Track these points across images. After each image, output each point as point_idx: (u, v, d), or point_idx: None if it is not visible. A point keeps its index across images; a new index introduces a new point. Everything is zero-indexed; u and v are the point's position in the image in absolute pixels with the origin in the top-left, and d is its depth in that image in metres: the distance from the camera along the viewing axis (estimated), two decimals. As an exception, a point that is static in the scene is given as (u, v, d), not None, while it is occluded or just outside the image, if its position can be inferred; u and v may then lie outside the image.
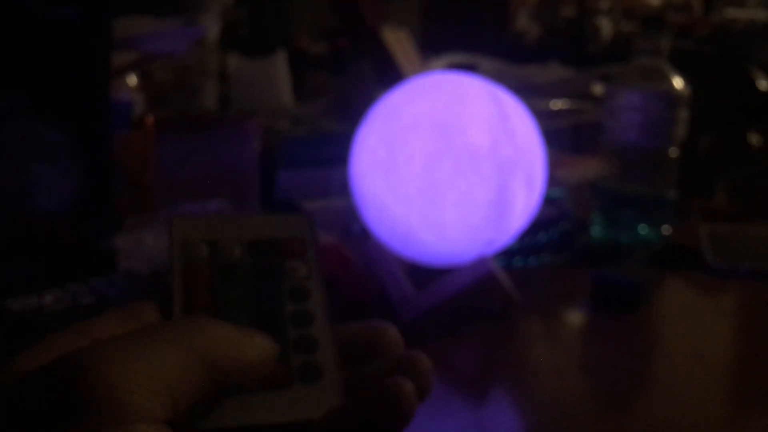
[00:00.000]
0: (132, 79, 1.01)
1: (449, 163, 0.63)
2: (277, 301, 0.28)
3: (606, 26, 2.24)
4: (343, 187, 0.74)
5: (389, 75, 1.14)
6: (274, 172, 0.92)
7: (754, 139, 1.18)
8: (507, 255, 0.79)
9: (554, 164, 0.77)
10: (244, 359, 0.25)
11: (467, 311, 0.69)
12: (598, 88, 1.31)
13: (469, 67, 1.31)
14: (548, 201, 0.79)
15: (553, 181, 0.77)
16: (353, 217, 0.72)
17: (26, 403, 0.22)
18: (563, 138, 1.13)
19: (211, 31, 1.17)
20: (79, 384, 0.21)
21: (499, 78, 0.79)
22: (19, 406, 0.22)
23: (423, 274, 0.69)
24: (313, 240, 0.30)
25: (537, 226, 0.75)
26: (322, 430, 0.26)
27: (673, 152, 0.88)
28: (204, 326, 0.24)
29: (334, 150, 0.81)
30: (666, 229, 0.88)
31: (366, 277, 0.72)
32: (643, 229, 0.87)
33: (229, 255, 0.29)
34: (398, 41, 1.30)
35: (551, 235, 0.82)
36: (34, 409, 0.21)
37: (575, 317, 0.75)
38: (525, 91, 0.85)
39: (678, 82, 0.87)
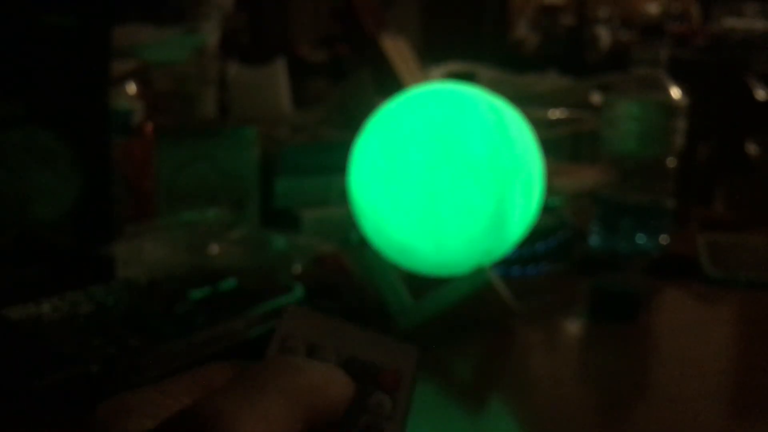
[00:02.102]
0: (131, 87, 1.01)
1: (448, 173, 0.63)
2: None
3: (605, 35, 2.24)
4: (342, 196, 0.75)
5: (389, 83, 1.15)
6: (273, 180, 0.92)
7: (752, 148, 1.18)
8: (505, 264, 0.79)
9: (553, 173, 0.77)
10: (332, 399, 0.26)
11: (466, 321, 0.69)
12: (596, 98, 1.32)
13: (468, 76, 1.31)
14: (547, 210, 0.79)
15: (551, 190, 0.77)
16: (352, 226, 0.72)
17: None
18: (562, 147, 1.14)
19: (211, 39, 1.17)
20: None
21: (497, 87, 0.79)
22: None
23: (421, 284, 0.69)
24: (412, 374, 0.29)
25: (535, 235, 0.76)
26: None
27: (672, 161, 0.88)
28: (302, 369, 0.25)
29: (334, 158, 0.82)
30: (664, 239, 0.88)
31: (364, 286, 0.72)
32: (641, 239, 0.88)
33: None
34: (398, 49, 1.31)
35: (550, 245, 0.82)
36: None
37: (573, 326, 0.75)
38: (523, 100, 0.85)
39: (676, 92, 0.87)
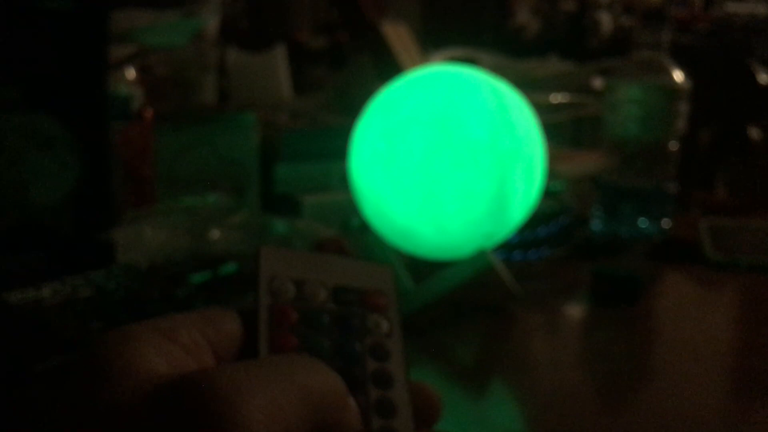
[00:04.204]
0: (131, 73, 1.01)
1: (449, 157, 0.63)
2: (360, 357, 0.27)
3: (606, 21, 2.23)
4: (342, 181, 0.74)
5: (388, 69, 1.14)
6: (274, 165, 0.92)
7: (754, 133, 1.18)
8: (507, 248, 0.79)
9: (554, 158, 0.77)
10: (345, 414, 0.25)
11: (467, 305, 0.69)
12: (598, 82, 1.31)
13: (469, 62, 1.30)
14: (548, 194, 0.79)
15: (553, 174, 0.76)
16: (352, 210, 0.72)
17: (152, 422, 0.22)
18: (563, 132, 1.13)
19: (210, 24, 1.17)
20: (208, 416, 0.21)
21: (498, 72, 0.79)
22: (144, 425, 0.22)
23: (423, 268, 0.69)
24: (394, 293, 0.30)
25: (537, 219, 0.75)
26: None
27: (673, 146, 0.88)
28: (316, 368, 0.24)
29: (334, 143, 0.81)
30: (666, 223, 0.88)
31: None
32: (642, 223, 0.87)
33: (315, 298, 0.28)
34: (398, 35, 1.30)
35: (551, 229, 0.82)
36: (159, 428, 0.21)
37: (575, 310, 0.75)
38: (525, 85, 0.84)
39: (678, 76, 0.86)
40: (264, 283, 0.28)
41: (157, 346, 0.23)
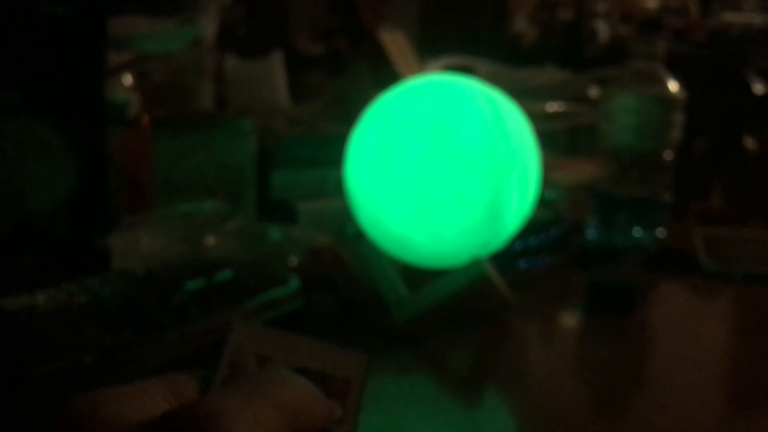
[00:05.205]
0: (128, 79, 1.01)
1: (444, 165, 0.63)
2: None
3: (603, 30, 2.24)
4: (338, 188, 0.74)
5: (386, 76, 1.14)
6: (270, 172, 0.92)
7: (750, 142, 1.18)
8: (501, 257, 0.79)
9: (550, 167, 0.77)
10: (316, 418, 0.26)
11: (462, 313, 0.69)
12: (594, 91, 1.31)
13: (466, 70, 1.31)
14: (543, 203, 0.79)
15: (548, 183, 0.77)
16: (348, 217, 0.72)
17: None
18: (559, 140, 1.13)
19: (208, 30, 1.17)
20: None
21: (495, 80, 0.79)
22: None
23: (417, 276, 0.69)
24: (361, 382, 0.30)
25: (532, 228, 0.76)
26: None
27: (669, 155, 0.88)
28: (294, 385, 0.26)
29: (330, 150, 0.81)
30: (661, 232, 0.88)
31: (360, 278, 0.72)
32: (638, 232, 0.88)
33: None
34: (395, 43, 1.30)
35: (546, 238, 0.82)
36: None
37: (569, 319, 0.75)
38: (521, 94, 0.85)
39: (673, 86, 0.87)
40: (227, 356, 0.29)
41: (127, 407, 0.24)
